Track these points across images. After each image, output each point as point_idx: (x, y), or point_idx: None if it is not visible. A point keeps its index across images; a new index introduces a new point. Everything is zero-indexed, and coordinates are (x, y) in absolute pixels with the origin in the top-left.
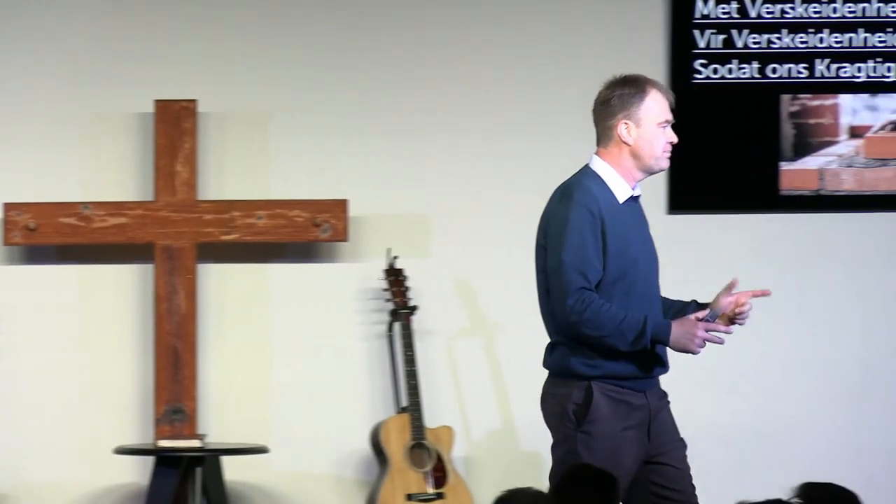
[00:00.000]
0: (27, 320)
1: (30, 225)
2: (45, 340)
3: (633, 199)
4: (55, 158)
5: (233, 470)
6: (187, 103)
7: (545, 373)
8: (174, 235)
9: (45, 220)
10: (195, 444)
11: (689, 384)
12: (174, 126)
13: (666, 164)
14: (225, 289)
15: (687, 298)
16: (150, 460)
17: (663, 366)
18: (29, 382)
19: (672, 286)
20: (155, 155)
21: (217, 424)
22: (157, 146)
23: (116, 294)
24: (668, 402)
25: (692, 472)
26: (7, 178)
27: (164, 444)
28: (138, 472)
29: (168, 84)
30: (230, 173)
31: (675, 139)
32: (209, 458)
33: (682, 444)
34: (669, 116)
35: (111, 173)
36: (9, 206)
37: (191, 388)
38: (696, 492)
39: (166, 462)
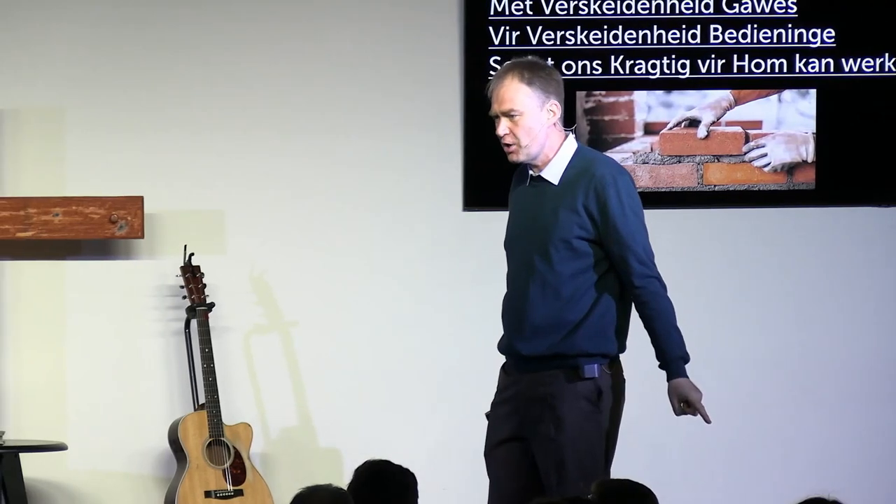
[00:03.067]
0: None
1: None
2: None
3: (536, 181)
4: None
5: (31, 467)
6: None
7: (340, 369)
8: None
9: None
10: None
11: None
12: None
13: (508, 158)
14: (21, 286)
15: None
16: None
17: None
18: None
19: (467, 281)
20: None
21: (15, 421)
22: None
23: None
24: (546, 398)
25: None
26: None
27: None
28: None
29: None
30: (26, 170)
31: (497, 133)
32: (7, 456)
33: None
34: (491, 111)
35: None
36: None
37: None
38: None
39: None
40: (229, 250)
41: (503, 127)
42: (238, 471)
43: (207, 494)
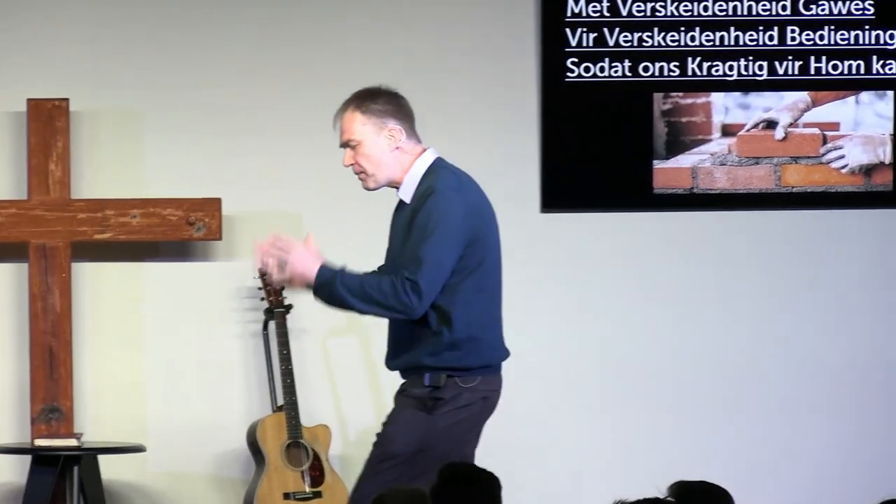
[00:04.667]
0: None
1: None
2: None
3: (401, 202)
4: None
5: (110, 469)
6: (59, 102)
7: None
8: (48, 234)
9: None
10: (72, 443)
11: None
12: (47, 125)
13: (363, 186)
14: (100, 288)
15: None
16: (26, 459)
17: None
18: None
19: (545, 284)
20: (28, 154)
21: (94, 423)
22: (29, 145)
23: None
24: (399, 394)
25: None
26: None
27: (40, 443)
28: (15, 471)
29: (40, 83)
30: (104, 172)
31: (344, 163)
32: (86, 458)
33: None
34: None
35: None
36: None
37: (67, 386)
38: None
39: (43, 461)
40: None
41: (348, 157)
42: (316, 472)
43: (286, 496)
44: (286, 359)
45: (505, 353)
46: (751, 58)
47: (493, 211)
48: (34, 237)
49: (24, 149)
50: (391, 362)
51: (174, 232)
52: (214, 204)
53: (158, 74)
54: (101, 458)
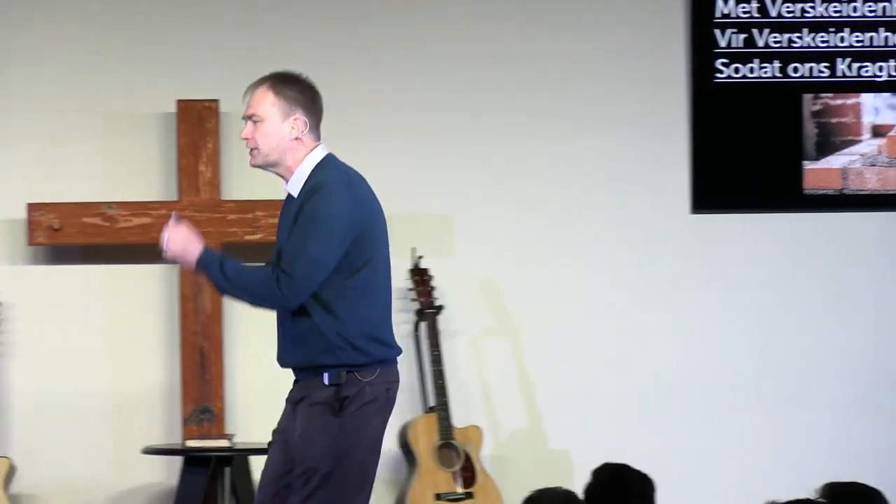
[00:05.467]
0: (52, 320)
1: (54, 225)
2: (70, 341)
3: (289, 196)
4: (79, 158)
5: (260, 470)
6: (209, 103)
7: (569, 371)
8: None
9: (69, 221)
10: (223, 443)
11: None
12: (197, 126)
13: (250, 161)
14: None
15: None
16: (178, 460)
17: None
18: (55, 383)
19: (695, 285)
20: (178, 155)
21: (245, 424)
22: (179, 146)
23: (142, 294)
24: (299, 402)
25: None
26: (31, 179)
27: (192, 444)
28: (167, 471)
29: (190, 84)
30: (254, 173)
31: (241, 135)
32: (238, 458)
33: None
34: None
35: (135, 173)
36: (33, 207)
37: (218, 387)
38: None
39: (195, 462)
40: (457, 253)
41: (247, 130)
42: (468, 473)
43: (438, 497)
44: (437, 360)
45: (397, 350)
46: None
47: (381, 210)
48: None
49: (174, 150)
50: (283, 358)
51: None
52: None
53: (307, 74)
54: (253, 459)
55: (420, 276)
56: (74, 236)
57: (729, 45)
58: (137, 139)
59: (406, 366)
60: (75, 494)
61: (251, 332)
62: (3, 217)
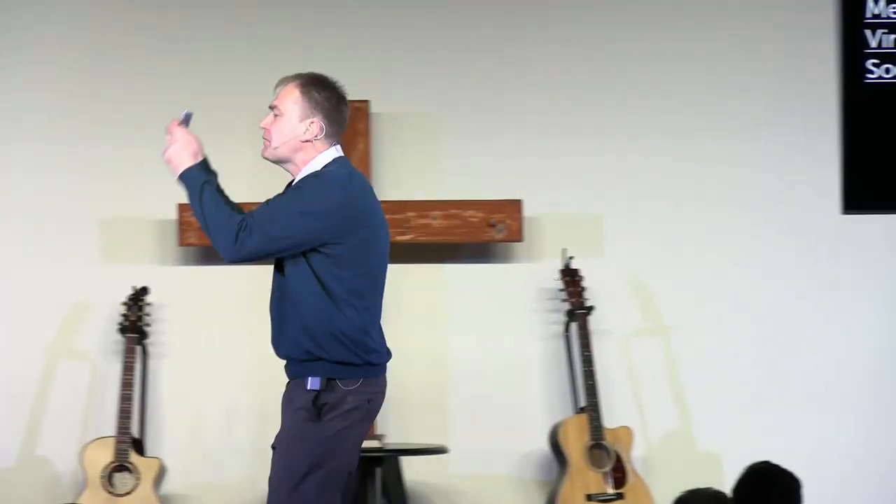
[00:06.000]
0: (202, 321)
1: None
2: (220, 341)
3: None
4: (231, 158)
5: (412, 470)
6: (360, 104)
7: (720, 372)
8: None
9: None
10: (375, 444)
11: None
12: (348, 127)
13: (262, 152)
14: (401, 289)
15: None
16: None
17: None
18: (205, 384)
19: (847, 285)
20: None
21: (396, 424)
22: None
23: None
24: (285, 406)
25: None
26: None
27: None
28: None
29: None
30: (404, 173)
31: (261, 123)
32: (389, 459)
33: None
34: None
35: (285, 173)
36: (183, 207)
37: None
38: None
39: None
40: (608, 253)
41: (266, 120)
42: (619, 474)
43: (588, 498)
44: (588, 360)
45: (387, 355)
46: None
47: (382, 214)
48: None
49: None
50: (276, 348)
51: (475, 233)
52: (516, 206)
53: (458, 76)
54: (404, 459)
55: (571, 277)
56: None
57: (879, 46)
58: None
59: (556, 366)
60: (225, 495)
61: (404, 333)
62: (154, 218)
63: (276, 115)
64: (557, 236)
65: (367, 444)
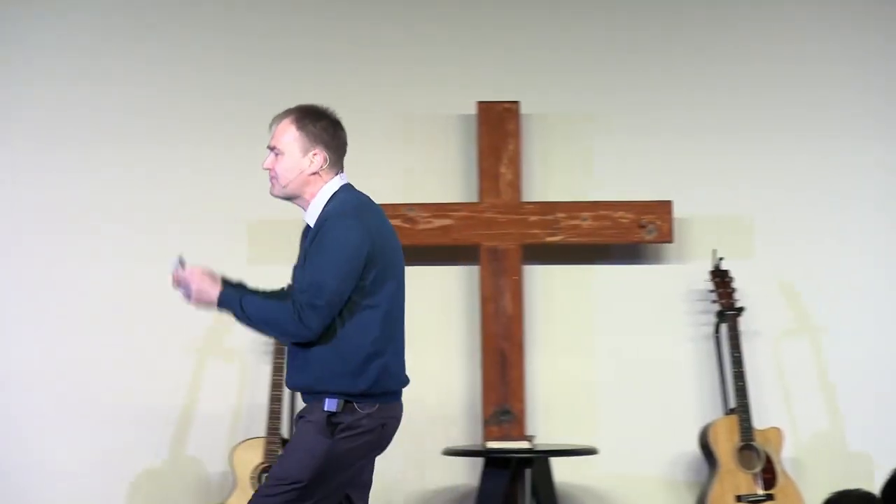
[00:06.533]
0: None
1: None
2: None
3: (307, 226)
4: (379, 160)
5: (562, 471)
6: (510, 105)
7: (871, 373)
8: (499, 237)
9: None
10: (524, 445)
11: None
12: (497, 128)
13: (270, 190)
14: (550, 290)
15: None
16: (478, 461)
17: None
18: None
19: None
20: (479, 157)
21: (545, 425)
22: (480, 148)
23: (442, 295)
24: (300, 419)
25: None
26: None
27: (493, 445)
28: (467, 473)
29: (491, 86)
30: (554, 174)
31: (263, 165)
32: (538, 460)
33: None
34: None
35: (434, 175)
36: None
37: (518, 389)
38: None
39: (496, 463)
40: (757, 254)
41: (268, 161)
42: (769, 475)
43: (738, 499)
44: (738, 361)
45: (405, 380)
46: None
47: (395, 236)
48: (485, 240)
49: (475, 152)
50: (291, 381)
51: (625, 234)
52: (666, 206)
53: (608, 76)
54: (554, 461)
55: (721, 278)
56: None
57: None
58: (438, 141)
59: (707, 367)
60: (376, 495)
61: (552, 334)
62: (300, 220)
63: (276, 155)
64: (707, 237)
65: (515, 445)
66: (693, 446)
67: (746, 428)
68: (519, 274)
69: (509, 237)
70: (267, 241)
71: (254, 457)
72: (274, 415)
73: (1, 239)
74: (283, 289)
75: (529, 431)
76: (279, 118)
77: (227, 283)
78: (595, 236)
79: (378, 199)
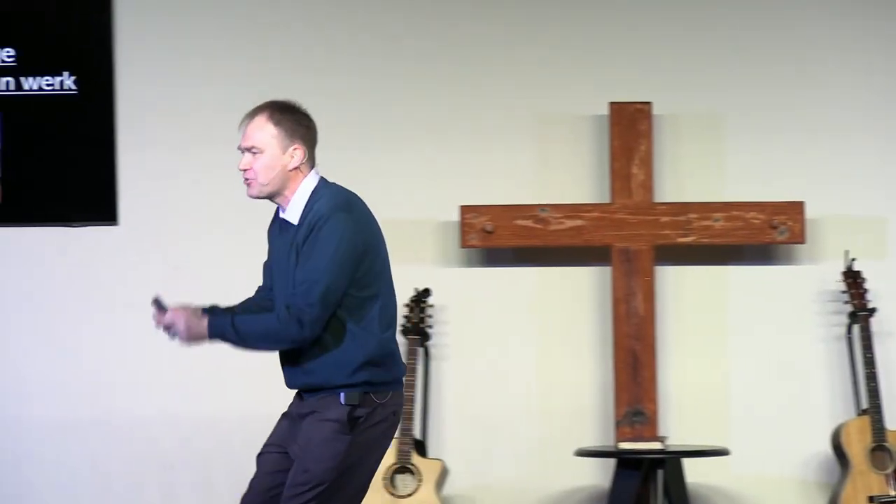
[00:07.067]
0: (485, 322)
1: (486, 227)
2: (502, 343)
3: (284, 221)
4: (510, 161)
5: (694, 472)
6: (642, 105)
7: None
8: (631, 238)
9: (501, 223)
10: (656, 446)
11: None
12: (629, 128)
13: (246, 192)
14: (682, 291)
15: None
16: (610, 462)
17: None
18: (487, 385)
19: None
20: (610, 157)
21: (677, 426)
22: (612, 148)
23: (573, 296)
24: (307, 416)
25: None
26: (463, 182)
27: (624, 446)
28: (599, 473)
29: (622, 87)
30: (686, 175)
31: (238, 167)
32: (670, 460)
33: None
34: (239, 144)
35: (566, 176)
36: (465, 209)
37: (650, 390)
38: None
39: (627, 464)
40: (890, 255)
41: (245, 161)
42: None
43: (871, 500)
44: (870, 362)
45: (405, 368)
46: None
47: (379, 227)
48: (617, 241)
49: (607, 152)
50: (294, 381)
51: (757, 235)
52: (797, 207)
53: (739, 75)
54: (685, 461)
55: (853, 279)
56: (507, 238)
57: None
58: (570, 141)
59: (839, 368)
60: (506, 496)
61: (683, 335)
62: (436, 219)
63: (254, 153)
64: (839, 238)
65: (647, 446)
66: (825, 447)
67: (879, 429)
68: (651, 275)
69: (641, 238)
70: (401, 241)
71: (386, 458)
72: (406, 416)
73: (155, 240)
74: (253, 297)
75: (661, 432)
76: (251, 115)
77: (208, 312)
78: (727, 237)
79: (510, 199)
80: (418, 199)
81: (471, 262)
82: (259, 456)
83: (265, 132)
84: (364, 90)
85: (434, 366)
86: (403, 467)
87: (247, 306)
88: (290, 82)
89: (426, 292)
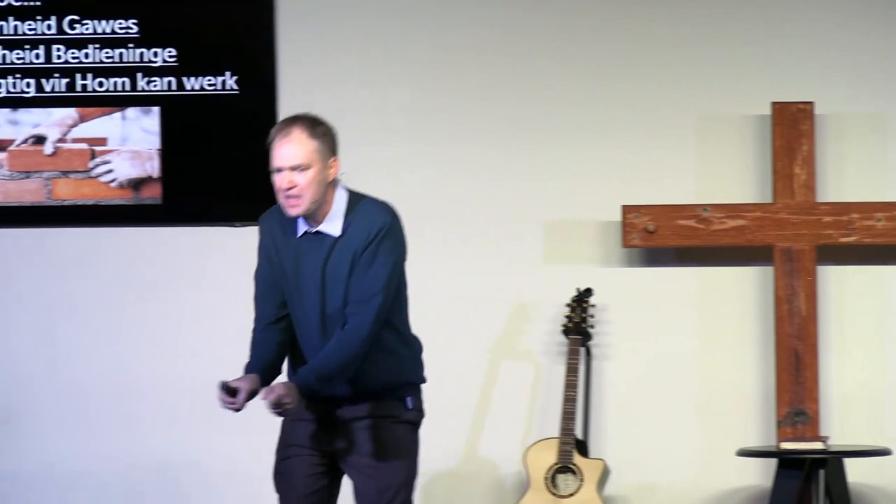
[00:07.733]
0: (647, 322)
1: (648, 227)
2: (664, 343)
3: (315, 234)
4: (672, 160)
5: (856, 472)
6: (804, 105)
7: None
8: (793, 237)
9: (663, 223)
10: (818, 446)
11: None
12: (791, 128)
13: (289, 211)
14: (844, 291)
15: None
16: (771, 462)
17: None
18: (648, 385)
19: None
20: (772, 157)
21: (839, 426)
22: (774, 148)
23: (735, 296)
24: (365, 423)
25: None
26: (625, 181)
27: (786, 446)
28: (760, 474)
29: (785, 86)
30: (848, 175)
31: (282, 186)
32: (832, 460)
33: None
34: (275, 164)
35: (728, 175)
36: (627, 209)
37: (812, 389)
38: None
39: (789, 464)
40: None
41: (291, 178)
42: None
43: None
44: None
45: None
46: (18, 75)
47: None
48: (779, 240)
49: (768, 152)
50: (355, 388)
51: None
52: None
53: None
54: (847, 462)
55: None
56: (668, 238)
57: None
58: (732, 141)
59: None
60: (667, 496)
61: (846, 335)
62: (598, 219)
63: (301, 171)
64: None
65: (808, 446)
66: None
67: None
68: (813, 274)
69: (803, 238)
70: (563, 241)
71: (548, 457)
72: (568, 415)
73: None
74: (261, 346)
75: (823, 432)
76: (285, 133)
77: (297, 377)
78: (890, 237)
79: (671, 199)
80: (580, 199)
81: (632, 262)
82: (287, 459)
83: (307, 148)
84: (529, 91)
85: (595, 365)
86: (565, 467)
87: (263, 356)
88: (449, 83)
89: (588, 292)
